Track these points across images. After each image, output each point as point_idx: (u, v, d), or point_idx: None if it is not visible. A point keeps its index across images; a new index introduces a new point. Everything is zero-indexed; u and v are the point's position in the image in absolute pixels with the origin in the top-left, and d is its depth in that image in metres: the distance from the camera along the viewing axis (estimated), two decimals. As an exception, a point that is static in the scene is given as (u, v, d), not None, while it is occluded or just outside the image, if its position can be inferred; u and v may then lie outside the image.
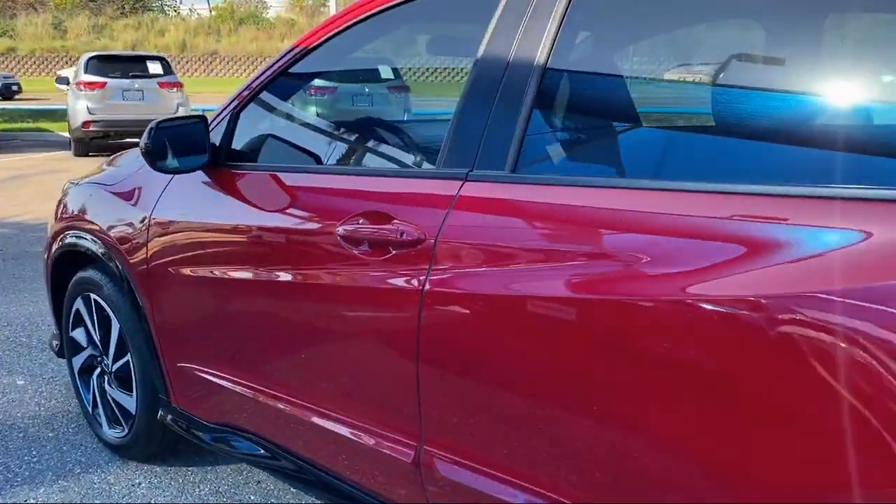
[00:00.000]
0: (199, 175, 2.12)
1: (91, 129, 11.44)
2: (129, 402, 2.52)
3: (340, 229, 1.66)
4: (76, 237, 2.59)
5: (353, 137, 2.18)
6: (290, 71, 1.97)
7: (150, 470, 2.61)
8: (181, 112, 12.13)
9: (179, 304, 2.18)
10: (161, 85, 12.00)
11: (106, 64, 11.95)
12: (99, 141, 11.84)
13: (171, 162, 1.98)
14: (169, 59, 13.23)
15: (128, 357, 2.46)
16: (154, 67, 12.22)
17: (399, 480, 1.65)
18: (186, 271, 2.11)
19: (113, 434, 2.64)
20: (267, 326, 1.93)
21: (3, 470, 2.60)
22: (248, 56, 35.91)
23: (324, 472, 1.87)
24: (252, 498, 2.45)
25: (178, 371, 2.26)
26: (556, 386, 1.37)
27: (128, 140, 12.09)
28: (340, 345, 1.75)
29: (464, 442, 1.52)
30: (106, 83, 11.60)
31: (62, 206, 2.79)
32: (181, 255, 2.13)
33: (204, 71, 37.89)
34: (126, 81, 11.76)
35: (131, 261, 2.30)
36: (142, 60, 12.47)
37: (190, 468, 2.62)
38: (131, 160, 2.57)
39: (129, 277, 2.32)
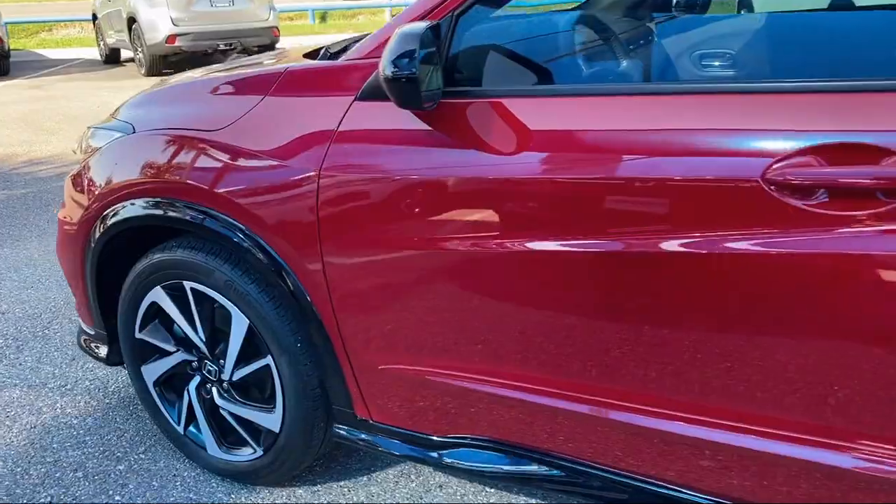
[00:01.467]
0: (392, 110, 1.51)
1: None
2: (268, 419, 1.90)
3: (770, 173, 1.17)
4: (153, 208, 1.85)
5: (714, 40, 1.60)
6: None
7: (291, 494, 2.03)
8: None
9: (393, 289, 1.59)
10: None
11: None
12: None
13: (430, 93, 1.37)
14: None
15: (266, 361, 1.83)
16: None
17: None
18: (410, 245, 1.52)
19: (235, 458, 2.02)
20: (594, 313, 1.41)
21: (94, 530, 1.93)
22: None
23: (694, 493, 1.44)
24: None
25: (380, 375, 1.69)
26: None
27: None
28: (756, 337, 1.27)
29: None
30: None
31: (95, 171, 2.01)
32: (395, 224, 1.53)
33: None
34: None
35: (290, 236, 1.65)
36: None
37: (340, 483, 2.07)
38: (230, 95, 1.83)
39: (282, 259, 1.67)
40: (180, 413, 2.09)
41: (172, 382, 2.11)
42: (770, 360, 1.28)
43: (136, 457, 2.20)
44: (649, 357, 1.38)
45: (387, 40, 1.54)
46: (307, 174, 1.60)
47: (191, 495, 2.04)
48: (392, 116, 1.52)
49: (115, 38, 12.02)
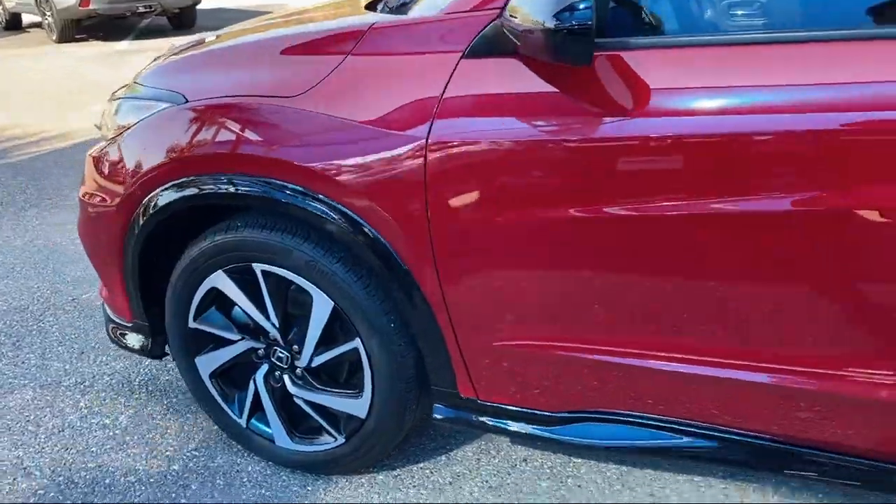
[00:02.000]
0: (509, 65, 1.40)
1: None
2: (353, 404, 1.78)
3: None
4: (221, 185, 1.67)
5: None
6: None
7: (371, 480, 1.93)
8: None
9: (517, 264, 1.48)
10: None
11: None
12: None
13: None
14: None
15: (353, 344, 1.70)
16: None
17: None
18: (536, 215, 1.41)
19: (311, 448, 1.88)
20: (753, 276, 1.34)
21: (169, 539, 1.78)
22: None
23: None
24: (593, 478, 1.90)
25: (494, 352, 1.59)
26: None
27: None
28: None
29: None
30: None
31: (137, 147, 1.81)
32: (519, 193, 1.42)
33: None
34: None
35: (391, 210, 1.51)
36: None
37: (419, 465, 1.98)
38: (304, 55, 1.65)
39: (382, 236, 1.54)
40: (242, 405, 1.94)
41: (230, 373, 1.96)
42: None
43: (188, 454, 2.04)
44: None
45: (499, -9, 1.42)
46: (412, 142, 1.46)
47: (262, 491, 1.90)
48: (510, 73, 1.40)
49: (16, 2, 11.15)
